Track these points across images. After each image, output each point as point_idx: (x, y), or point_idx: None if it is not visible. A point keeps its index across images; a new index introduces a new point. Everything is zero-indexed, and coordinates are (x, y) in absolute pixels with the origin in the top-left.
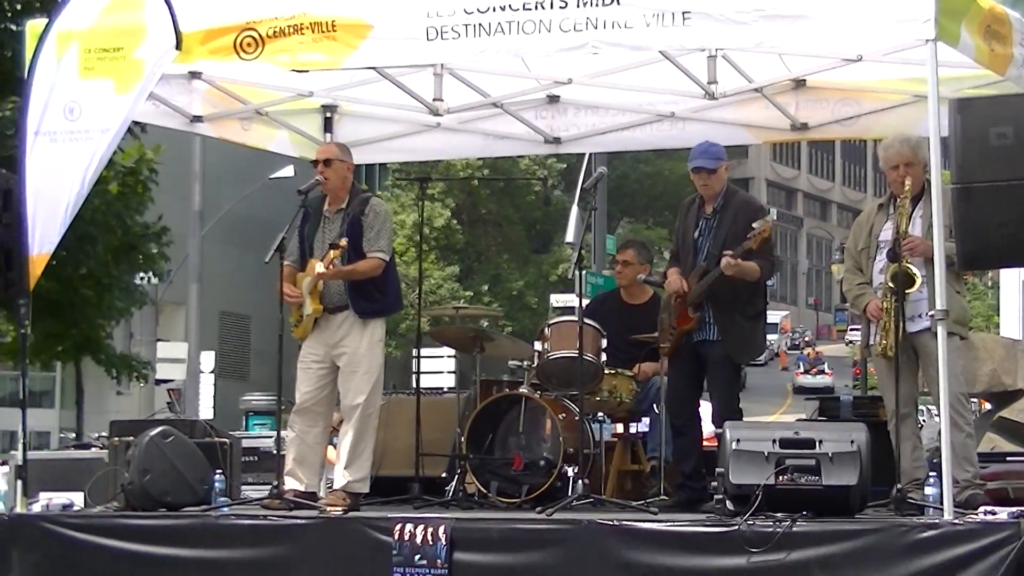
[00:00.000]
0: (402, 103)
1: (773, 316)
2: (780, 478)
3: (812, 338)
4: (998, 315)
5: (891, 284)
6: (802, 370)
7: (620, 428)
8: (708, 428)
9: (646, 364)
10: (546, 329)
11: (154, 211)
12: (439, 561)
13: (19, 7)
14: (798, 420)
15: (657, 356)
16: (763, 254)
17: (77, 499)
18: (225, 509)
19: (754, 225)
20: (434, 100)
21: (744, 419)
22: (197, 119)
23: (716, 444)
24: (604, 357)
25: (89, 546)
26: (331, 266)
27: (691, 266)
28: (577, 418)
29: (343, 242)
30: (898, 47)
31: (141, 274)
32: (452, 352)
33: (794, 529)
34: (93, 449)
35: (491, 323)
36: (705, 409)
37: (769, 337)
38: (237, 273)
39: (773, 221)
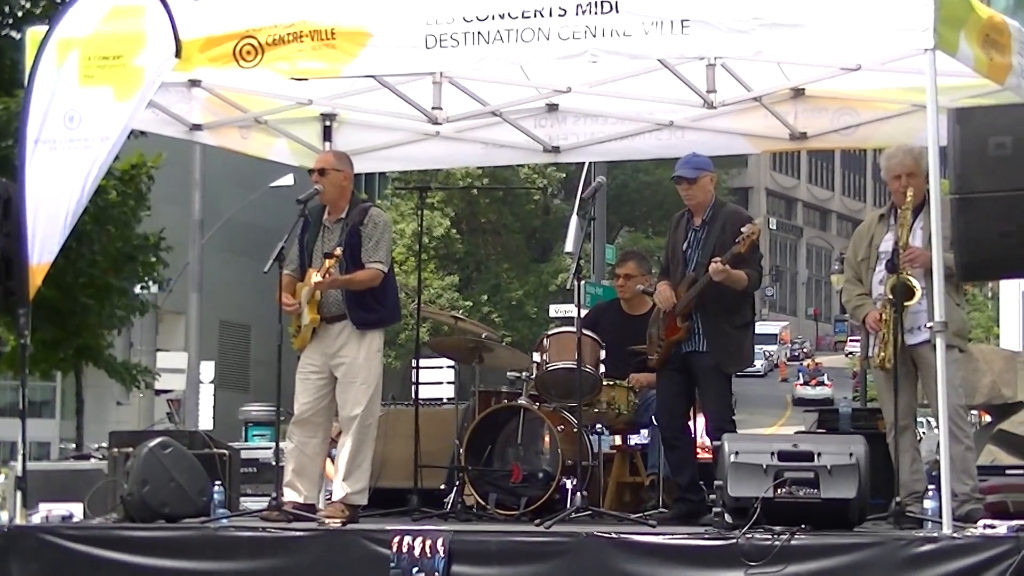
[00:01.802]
0: (401, 111)
1: (772, 327)
2: (779, 491)
3: (811, 349)
4: (998, 326)
5: (891, 296)
6: (801, 381)
7: (619, 440)
8: (702, 440)
9: (639, 374)
10: (545, 340)
11: (154, 219)
12: (437, 574)
13: (20, 15)
14: (797, 432)
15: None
16: (751, 263)
17: (76, 510)
18: (224, 521)
19: (742, 229)
20: (433, 108)
21: (738, 429)
22: (196, 127)
23: (711, 456)
24: (603, 368)
25: (88, 558)
26: (327, 275)
27: (680, 278)
28: (576, 430)
29: (338, 251)
30: (897, 56)
31: (141, 285)
32: (451, 363)
33: (792, 542)
34: (93, 460)
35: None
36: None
37: (768, 348)
38: (237, 282)
39: (762, 228)
